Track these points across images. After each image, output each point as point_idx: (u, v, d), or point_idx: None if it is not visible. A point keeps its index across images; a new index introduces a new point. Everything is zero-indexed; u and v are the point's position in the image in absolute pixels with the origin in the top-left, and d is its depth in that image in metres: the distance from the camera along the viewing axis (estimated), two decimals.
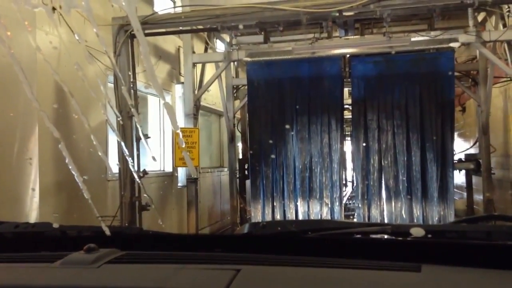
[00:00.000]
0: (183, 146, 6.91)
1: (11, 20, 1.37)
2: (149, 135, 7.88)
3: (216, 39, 9.73)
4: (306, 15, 6.08)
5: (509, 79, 7.65)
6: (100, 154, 1.62)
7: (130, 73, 6.95)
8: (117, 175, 6.94)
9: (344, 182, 17.07)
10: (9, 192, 5.52)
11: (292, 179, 8.11)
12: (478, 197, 9.42)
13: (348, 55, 8.11)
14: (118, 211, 6.59)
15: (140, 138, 6.71)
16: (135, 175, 6.53)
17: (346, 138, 12.19)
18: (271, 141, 8.05)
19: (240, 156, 10.90)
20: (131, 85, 6.91)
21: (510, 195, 8.57)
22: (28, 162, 5.62)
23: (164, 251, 1.39)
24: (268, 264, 1.24)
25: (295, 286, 1.12)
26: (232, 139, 10.01)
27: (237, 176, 10.02)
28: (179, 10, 7.98)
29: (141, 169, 6.98)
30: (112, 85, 6.72)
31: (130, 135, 6.74)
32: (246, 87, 8.68)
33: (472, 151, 9.52)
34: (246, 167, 9.51)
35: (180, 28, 7.54)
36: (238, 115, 10.84)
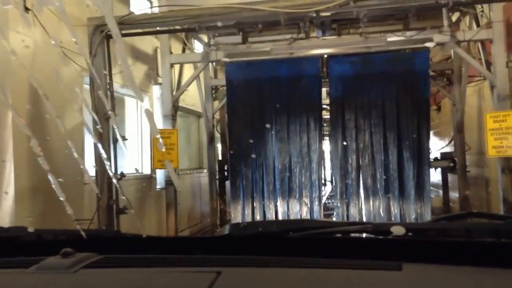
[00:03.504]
0: (163, 150, 6.85)
1: None
2: (126, 137, 7.76)
3: (194, 39, 9.67)
4: (284, 15, 6.09)
5: (483, 78, 7.81)
6: (76, 156, 1.59)
7: (106, 74, 6.84)
8: (94, 178, 6.83)
9: (323, 181, 17.17)
10: None
11: (272, 179, 8.13)
12: (454, 194, 9.60)
13: (325, 56, 8.17)
14: (95, 214, 6.48)
15: (117, 140, 6.61)
16: (114, 179, 6.43)
17: (325, 137, 12.26)
18: (250, 142, 8.04)
19: (220, 157, 10.86)
20: (108, 87, 6.81)
21: (485, 192, 8.75)
22: (1, 165, 5.49)
23: (143, 254, 1.37)
24: (250, 265, 1.23)
25: (277, 287, 1.11)
26: (211, 140, 9.97)
27: (217, 177, 9.98)
28: (156, 10, 7.91)
29: (119, 172, 6.89)
30: (88, 86, 6.61)
31: (107, 137, 6.64)
32: (225, 87, 8.65)
33: (448, 149, 9.70)
34: (225, 168, 9.48)
35: (157, 28, 7.47)
36: (217, 116, 10.80)
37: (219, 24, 6.45)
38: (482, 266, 1.17)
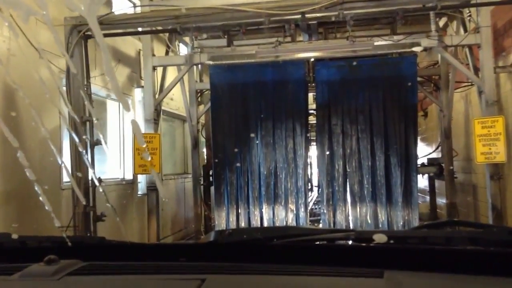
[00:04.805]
0: (149, 159, 6.71)
1: None
2: (102, 141, 7.50)
3: (179, 42, 9.50)
4: (268, 17, 5.95)
5: (470, 83, 7.74)
6: (59, 161, 1.51)
7: (84, 75, 6.62)
8: (70, 183, 6.58)
9: (310, 187, 17.07)
10: None
11: (257, 185, 7.98)
12: (441, 200, 9.52)
13: (312, 60, 8.05)
14: (71, 221, 6.24)
15: (95, 144, 6.39)
16: (98, 185, 6.20)
17: (311, 143, 12.15)
18: (235, 147, 7.90)
19: (205, 162, 10.66)
20: (85, 88, 6.58)
21: (472, 198, 8.67)
22: None
23: (128, 261, 1.37)
24: (233, 272, 1.25)
25: None
26: (195, 145, 9.78)
27: (201, 183, 9.79)
28: (138, 10, 7.72)
29: (97, 177, 6.64)
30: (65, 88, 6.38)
31: (84, 141, 6.41)
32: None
33: (435, 155, 9.62)
34: (210, 173, 9.30)
35: (139, 29, 7.28)
36: (202, 120, 10.62)
37: (202, 25, 6.28)
38: (462, 273, 1.20)
